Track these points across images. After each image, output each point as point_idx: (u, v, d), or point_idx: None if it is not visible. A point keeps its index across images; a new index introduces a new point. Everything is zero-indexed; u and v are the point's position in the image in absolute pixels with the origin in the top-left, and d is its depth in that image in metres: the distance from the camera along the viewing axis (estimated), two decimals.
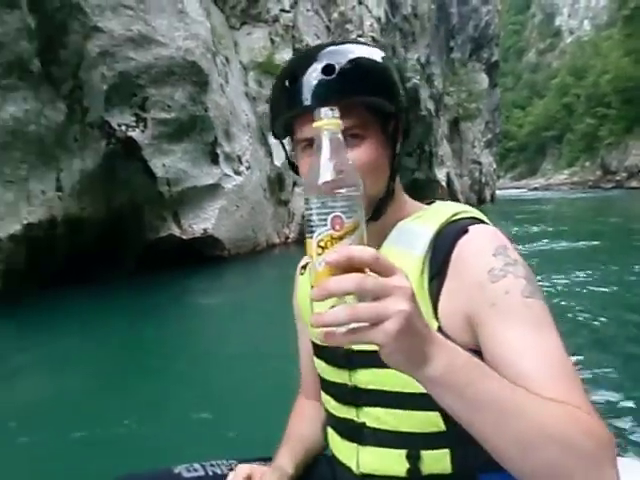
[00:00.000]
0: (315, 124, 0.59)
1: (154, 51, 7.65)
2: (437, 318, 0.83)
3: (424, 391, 0.65)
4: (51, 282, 6.77)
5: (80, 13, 6.85)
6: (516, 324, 0.76)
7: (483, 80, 33.92)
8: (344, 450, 0.95)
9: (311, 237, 0.56)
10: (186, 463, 0.98)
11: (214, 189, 8.76)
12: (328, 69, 0.84)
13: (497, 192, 38.21)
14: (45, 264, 6.98)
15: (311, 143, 0.84)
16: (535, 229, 14.42)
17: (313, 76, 0.84)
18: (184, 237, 8.46)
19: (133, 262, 8.08)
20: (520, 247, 10.17)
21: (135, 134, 7.57)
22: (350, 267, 0.54)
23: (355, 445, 0.92)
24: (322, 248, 0.55)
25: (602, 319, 4.84)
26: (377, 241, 0.90)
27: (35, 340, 5.11)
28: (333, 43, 0.92)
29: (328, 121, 0.58)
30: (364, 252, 0.55)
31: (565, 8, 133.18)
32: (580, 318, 4.91)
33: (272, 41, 11.29)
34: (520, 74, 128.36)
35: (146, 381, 3.79)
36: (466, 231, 0.85)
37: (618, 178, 46.76)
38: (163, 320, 5.73)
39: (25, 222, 6.56)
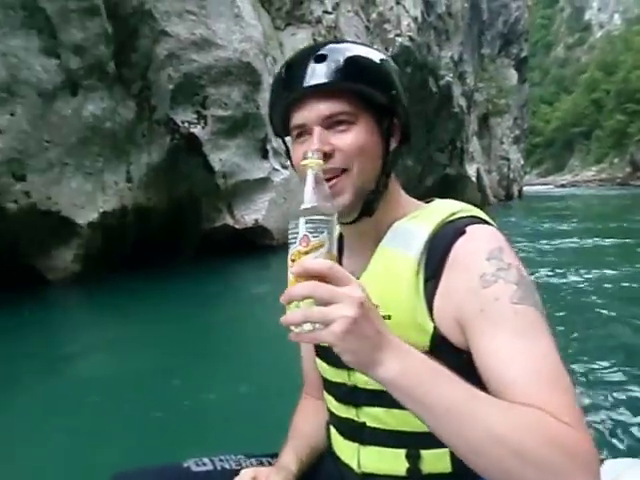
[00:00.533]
0: (302, 162, 0.73)
1: (214, 53, 8.22)
2: (433, 319, 0.83)
3: None
4: (120, 266, 7.40)
5: (150, 19, 7.44)
6: (503, 331, 0.76)
7: (512, 76, 33.89)
8: (345, 449, 0.96)
9: (288, 253, 0.68)
10: (195, 457, 0.99)
11: (264, 182, 9.31)
12: (319, 57, 0.87)
13: (524, 188, 38.09)
14: (116, 250, 7.61)
15: (302, 132, 0.89)
16: (565, 226, 14.55)
17: (305, 64, 0.87)
18: (237, 227, 9.03)
19: (192, 250, 8.69)
20: (549, 243, 10.46)
21: (196, 130, 8.16)
22: (311, 277, 0.64)
23: (356, 445, 0.93)
24: (292, 261, 0.66)
25: (633, 319, 4.73)
26: (374, 241, 0.93)
27: (108, 319, 5.58)
28: (334, 41, 0.94)
29: (311, 160, 0.71)
30: (320, 264, 0.64)
31: (595, 2, 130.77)
32: (611, 315, 4.90)
33: (315, 41, 11.79)
34: (548, 69, 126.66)
35: (202, 363, 3.98)
36: (463, 232, 0.85)
37: None
38: (219, 306, 6.03)
39: (101, 210, 7.19)
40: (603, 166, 68.96)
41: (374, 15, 13.39)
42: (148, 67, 7.62)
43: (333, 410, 0.98)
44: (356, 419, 0.92)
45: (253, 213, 9.22)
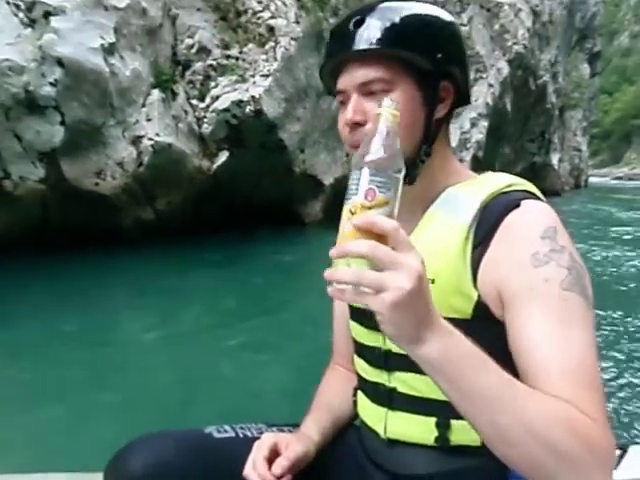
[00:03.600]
0: (377, 110, 0.66)
1: None
2: (476, 287, 0.81)
3: None
4: None
5: None
6: (545, 315, 0.74)
7: (585, 70, 35.66)
8: (373, 414, 0.94)
9: (346, 204, 0.62)
10: (216, 424, 0.97)
11: None
12: (358, 22, 0.84)
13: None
14: None
15: (343, 99, 0.88)
16: (632, 213, 16.26)
17: (345, 29, 0.85)
18: None
19: None
20: (619, 229, 11.89)
21: None
22: (372, 235, 0.59)
23: (384, 410, 0.91)
24: (352, 213, 0.61)
25: None
26: (422, 207, 0.89)
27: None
28: (380, 1, 0.88)
29: (388, 109, 0.65)
30: (386, 222, 0.60)
31: None
32: None
33: None
34: (610, 58, 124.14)
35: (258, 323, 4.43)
36: (517, 205, 0.82)
37: None
38: None
39: (334, 177, 10.34)
40: None
41: (496, 27, 16.07)
42: None
43: (363, 374, 0.97)
44: (387, 384, 0.90)
45: None
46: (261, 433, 0.95)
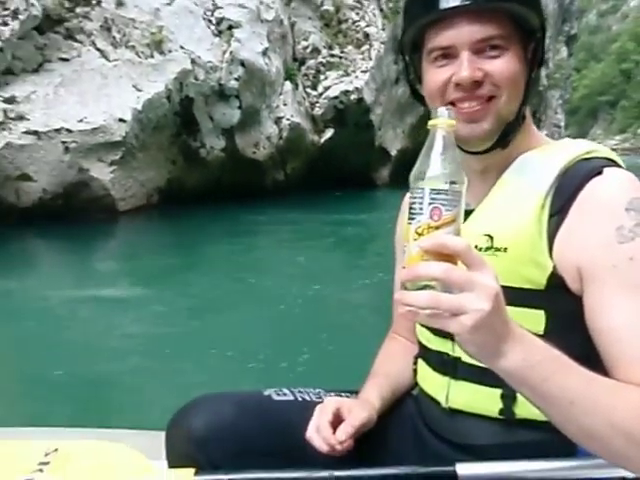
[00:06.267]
0: (431, 122, 0.62)
1: None
2: (552, 257, 0.77)
3: (531, 331, 0.66)
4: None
5: None
6: (627, 296, 0.72)
7: (564, 52, 38.81)
8: (434, 383, 0.91)
9: (410, 223, 0.60)
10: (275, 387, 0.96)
11: None
12: None
13: None
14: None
15: (445, 54, 0.80)
16: None
17: None
18: None
19: None
20: None
21: None
22: (442, 255, 0.58)
23: (447, 379, 0.88)
24: (419, 234, 0.59)
25: None
26: (497, 172, 0.85)
27: None
28: None
29: (444, 120, 0.61)
30: (458, 242, 0.58)
31: None
32: None
33: None
34: (578, 36, 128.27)
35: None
36: (600, 172, 0.77)
37: None
38: None
39: (396, 149, 13.01)
40: (627, 136, 72.53)
41: None
42: None
43: (425, 342, 0.93)
44: (451, 353, 0.87)
45: None
46: (319, 398, 0.95)
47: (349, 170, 11.86)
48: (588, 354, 0.71)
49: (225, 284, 5.15)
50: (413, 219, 0.60)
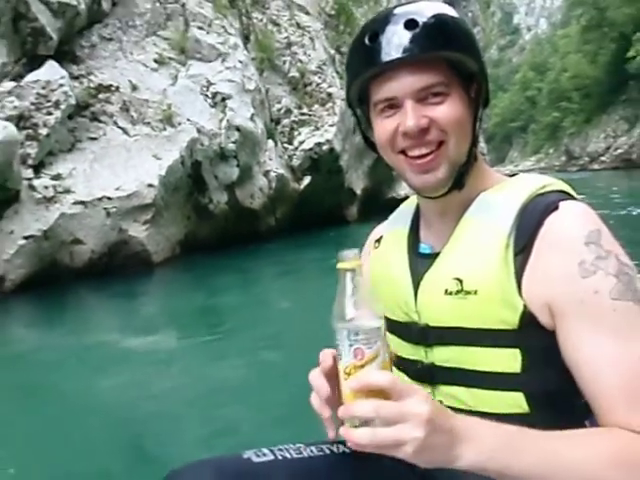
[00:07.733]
0: (338, 265, 0.66)
1: None
2: (522, 296, 0.80)
3: (508, 370, 0.72)
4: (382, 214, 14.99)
5: None
6: (598, 329, 0.74)
7: None
8: None
9: (339, 364, 0.66)
10: (254, 448, 0.93)
11: None
12: (411, 24, 0.81)
13: None
14: (376, 207, 15.25)
15: (391, 104, 0.83)
16: None
17: (395, 31, 0.81)
18: None
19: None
20: None
21: None
22: (371, 392, 0.62)
23: (426, 385, 0.90)
24: (347, 374, 0.64)
25: None
26: (457, 214, 0.88)
27: None
28: (408, 3, 0.86)
29: (349, 263, 0.66)
30: (381, 379, 0.62)
31: (522, 7, 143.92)
32: None
33: None
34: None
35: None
36: (556, 207, 0.80)
37: (582, 162, 49.93)
38: None
39: (360, 188, 14.78)
40: (540, 156, 77.35)
41: None
42: None
43: (396, 352, 0.94)
44: (424, 360, 0.90)
45: None
46: (300, 453, 0.92)
47: (325, 210, 13.48)
48: (567, 386, 0.77)
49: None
50: (340, 359, 0.67)
